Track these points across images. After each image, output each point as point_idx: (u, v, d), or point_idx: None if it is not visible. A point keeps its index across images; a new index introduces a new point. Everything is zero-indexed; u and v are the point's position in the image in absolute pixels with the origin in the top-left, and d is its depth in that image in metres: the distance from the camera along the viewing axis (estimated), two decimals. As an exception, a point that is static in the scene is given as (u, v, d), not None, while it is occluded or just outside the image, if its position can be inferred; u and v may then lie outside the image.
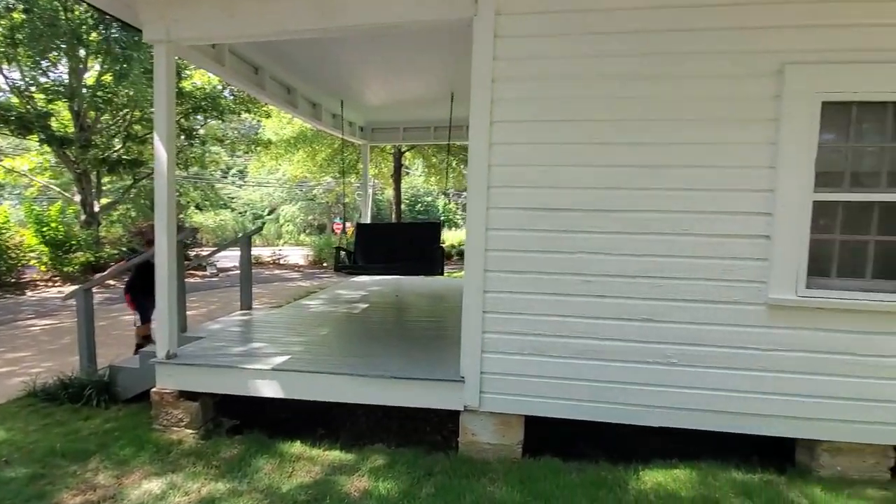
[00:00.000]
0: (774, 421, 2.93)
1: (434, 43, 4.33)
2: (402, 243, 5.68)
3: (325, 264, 16.95)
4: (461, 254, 21.56)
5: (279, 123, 16.24)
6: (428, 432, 3.67)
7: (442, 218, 27.61)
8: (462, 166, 15.91)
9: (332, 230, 27.87)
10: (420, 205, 32.89)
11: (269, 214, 30.94)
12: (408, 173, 24.74)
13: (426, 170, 19.19)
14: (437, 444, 3.43)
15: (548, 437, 3.27)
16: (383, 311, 5.66)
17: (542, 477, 2.87)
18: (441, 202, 32.84)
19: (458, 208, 30.84)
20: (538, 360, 3.09)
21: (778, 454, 3.11)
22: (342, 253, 5.77)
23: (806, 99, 2.76)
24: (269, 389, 3.39)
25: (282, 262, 18.85)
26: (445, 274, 6.02)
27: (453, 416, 3.25)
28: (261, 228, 25.66)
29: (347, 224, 21.08)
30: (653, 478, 2.86)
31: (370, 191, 8.01)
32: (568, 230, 3.01)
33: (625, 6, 2.86)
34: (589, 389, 3.06)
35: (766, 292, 2.86)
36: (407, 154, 17.54)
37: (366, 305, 5.80)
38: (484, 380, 3.13)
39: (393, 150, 16.62)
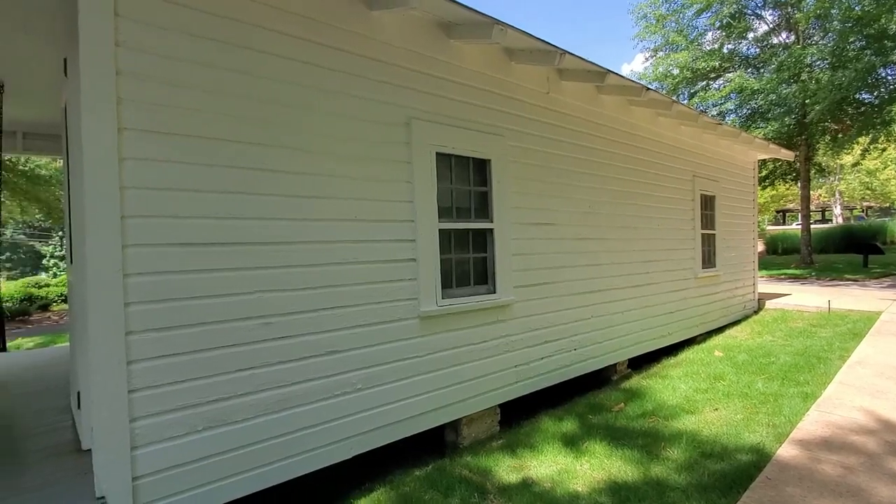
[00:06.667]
0: (434, 414, 3.46)
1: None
2: None
3: None
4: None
5: None
6: None
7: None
8: None
9: None
10: None
11: None
12: None
13: None
14: None
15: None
16: None
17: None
18: None
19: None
20: (218, 433, 2.46)
21: (432, 440, 3.69)
22: None
23: (426, 148, 3.46)
24: None
25: None
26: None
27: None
28: None
29: None
30: (359, 512, 2.79)
31: None
32: (241, 267, 2.57)
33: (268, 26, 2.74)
34: (281, 446, 2.69)
35: (418, 307, 3.36)
36: None
37: None
38: (141, 488, 2.21)
39: None
